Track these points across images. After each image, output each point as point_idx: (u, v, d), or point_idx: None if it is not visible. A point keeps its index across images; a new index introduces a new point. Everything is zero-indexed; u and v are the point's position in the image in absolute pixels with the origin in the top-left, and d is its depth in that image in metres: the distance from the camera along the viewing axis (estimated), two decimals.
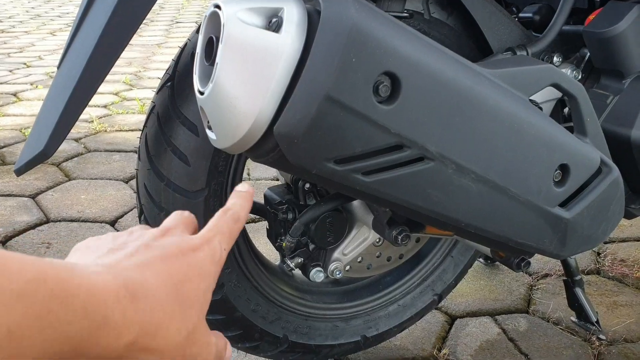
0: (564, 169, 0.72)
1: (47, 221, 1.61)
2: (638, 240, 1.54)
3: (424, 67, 0.60)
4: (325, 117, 0.56)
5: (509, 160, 0.68)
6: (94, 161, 2.03)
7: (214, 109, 0.58)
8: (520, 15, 1.06)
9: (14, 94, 2.90)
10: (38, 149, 0.72)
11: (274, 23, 0.57)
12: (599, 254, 1.48)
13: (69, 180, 1.87)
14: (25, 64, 3.62)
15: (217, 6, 0.58)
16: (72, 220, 1.62)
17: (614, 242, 1.53)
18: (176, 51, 0.77)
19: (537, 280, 1.37)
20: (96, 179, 1.89)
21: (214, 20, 0.58)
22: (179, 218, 0.42)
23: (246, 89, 0.56)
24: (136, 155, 2.13)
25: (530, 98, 0.82)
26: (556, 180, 0.72)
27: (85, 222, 1.62)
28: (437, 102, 0.62)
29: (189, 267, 0.37)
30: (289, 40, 0.55)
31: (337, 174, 0.60)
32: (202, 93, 0.59)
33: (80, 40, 0.75)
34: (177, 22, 5.48)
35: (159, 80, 0.86)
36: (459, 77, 0.63)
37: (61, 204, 1.71)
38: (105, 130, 2.36)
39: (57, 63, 3.73)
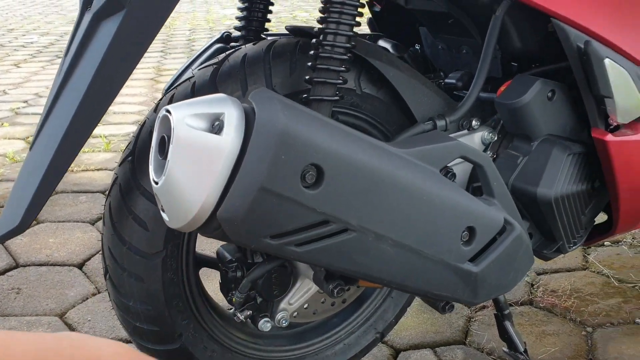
0: (471, 230, 0.85)
1: (17, 266, 1.69)
2: (569, 271, 1.69)
3: (343, 156, 0.72)
4: (260, 204, 0.68)
5: (421, 227, 0.80)
6: (61, 203, 2.11)
7: (167, 197, 0.69)
8: (446, 80, 1.20)
9: None
10: (14, 224, 0.81)
11: (216, 126, 0.68)
12: (532, 285, 1.62)
13: (38, 223, 1.95)
14: None
15: (168, 111, 0.69)
16: (41, 265, 1.70)
17: (547, 273, 1.67)
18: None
19: (475, 312, 1.49)
20: (64, 221, 1.97)
21: (166, 122, 0.69)
22: None
23: (193, 182, 0.67)
24: (102, 197, 2.21)
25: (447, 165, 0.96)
26: (464, 240, 0.85)
27: (54, 265, 1.69)
28: (356, 183, 0.74)
29: None
30: (229, 141, 0.67)
31: (273, 247, 0.72)
32: (156, 182, 0.70)
33: (53, 120, 0.85)
34: None
35: (125, 148, 0.96)
36: (374, 160, 0.75)
37: (30, 248, 1.78)
38: (72, 170, 2.43)
39: (23, 98, 3.74)
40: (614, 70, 0.98)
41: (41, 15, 7.92)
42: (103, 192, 2.21)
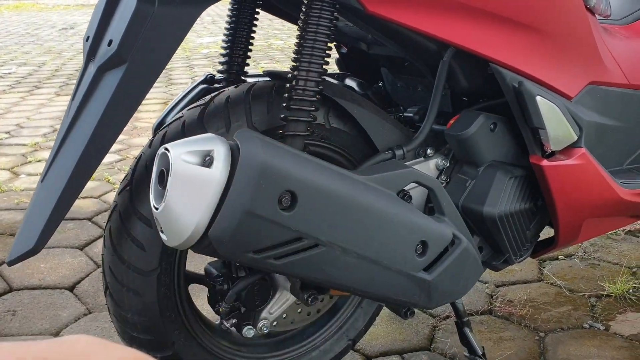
0: (424, 243, 0.99)
1: (11, 290, 1.79)
2: (525, 283, 1.84)
3: (313, 183, 0.86)
4: (244, 224, 0.81)
5: (380, 241, 0.94)
6: None
7: (165, 221, 0.82)
8: (405, 113, 1.36)
9: None
10: (29, 246, 0.94)
11: (207, 160, 0.82)
12: (491, 296, 1.77)
13: None
14: None
15: (167, 149, 0.83)
16: (33, 288, 1.80)
17: (505, 285, 1.83)
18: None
19: (440, 321, 1.64)
20: (53, 247, 2.07)
21: (164, 158, 0.83)
22: None
23: (189, 207, 0.81)
24: (89, 223, 2.31)
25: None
26: (418, 252, 0.99)
27: (46, 289, 1.80)
28: (324, 205, 0.88)
29: None
30: (218, 173, 0.81)
31: (256, 260, 0.85)
32: (157, 208, 0.83)
33: (63, 157, 0.98)
34: None
35: (119, 183, 1.09)
36: (340, 186, 0.90)
37: (22, 273, 1.88)
38: None
39: (5, 129, 3.80)
40: (545, 105, 1.15)
41: (17, 46, 7.98)
42: (90, 219, 2.32)
